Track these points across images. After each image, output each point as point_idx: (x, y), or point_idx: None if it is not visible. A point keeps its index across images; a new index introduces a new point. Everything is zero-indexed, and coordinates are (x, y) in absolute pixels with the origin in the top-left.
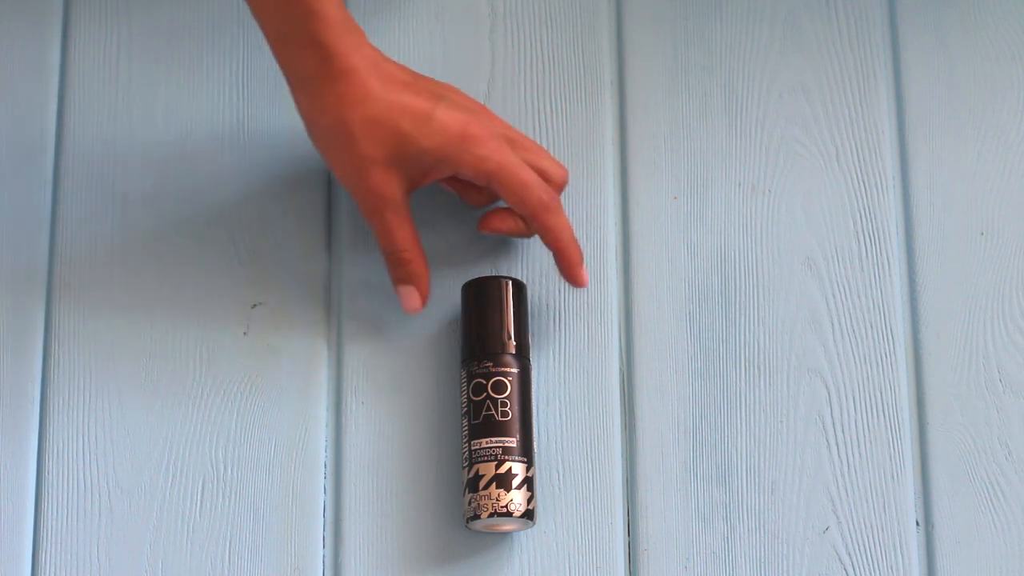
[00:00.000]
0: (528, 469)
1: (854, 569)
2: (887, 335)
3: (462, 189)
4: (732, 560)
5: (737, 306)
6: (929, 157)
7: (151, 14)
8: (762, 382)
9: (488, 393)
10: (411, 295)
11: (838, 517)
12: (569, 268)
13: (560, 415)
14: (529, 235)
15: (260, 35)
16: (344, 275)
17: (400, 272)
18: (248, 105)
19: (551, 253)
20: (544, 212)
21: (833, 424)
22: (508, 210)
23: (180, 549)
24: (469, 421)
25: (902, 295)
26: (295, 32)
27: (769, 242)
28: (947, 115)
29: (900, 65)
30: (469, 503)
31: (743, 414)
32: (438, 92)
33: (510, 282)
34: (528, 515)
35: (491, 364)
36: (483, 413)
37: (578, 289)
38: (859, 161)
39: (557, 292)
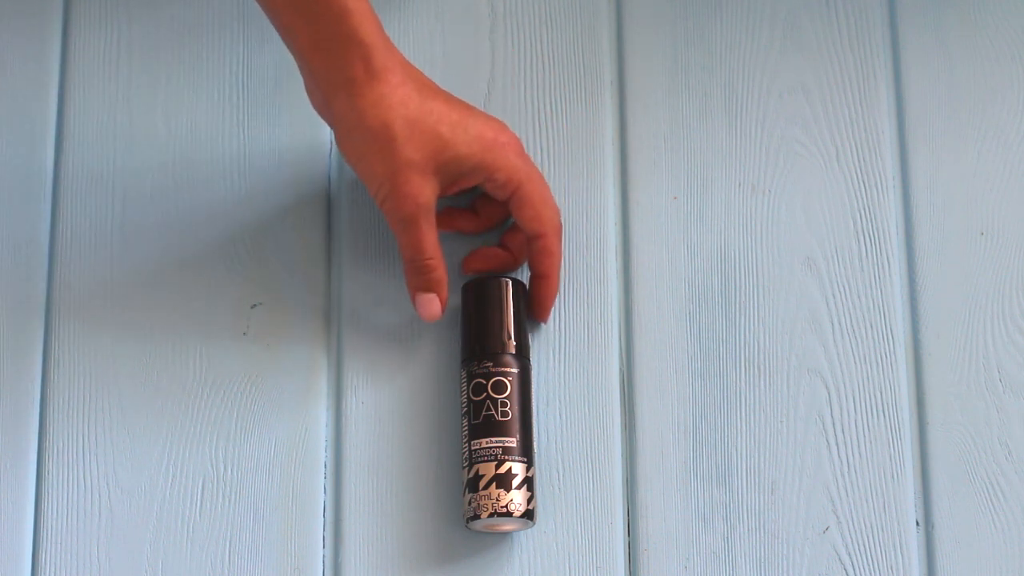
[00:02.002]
0: (528, 469)
1: (854, 569)
2: (887, 335)
3: (456, 220)
4: (732, 560)
5: (737, 306)
6: (929, 157)
7: (151, 14)
8: (762, 382)
9: (488, 393)
10: (432, 302)
11: (838, 517)
12: (547, 299)
13: (560, 415)
14: (513, 268)
15: (261, 34)
16: (344, 275)
17: (423, 279)
18: (248, 105)
19: (532, 278)
20: (554, 234)
21: (833, 424)
22: (490, 248)
23: (180, 549)
24: (469, 421)
25: (902, 295)
26: (332, 33)
27: (769, 242)
28: (947, 115)
29: (900, 65)
30: (469, 503)
31: (743, 414)
32: (464, 103)
33: (510, 282)
34: (528, 515)
35: (491, 364)
36: (483, 413)
37: (578, 289)
38: (859, 161)
39: (557, 292)
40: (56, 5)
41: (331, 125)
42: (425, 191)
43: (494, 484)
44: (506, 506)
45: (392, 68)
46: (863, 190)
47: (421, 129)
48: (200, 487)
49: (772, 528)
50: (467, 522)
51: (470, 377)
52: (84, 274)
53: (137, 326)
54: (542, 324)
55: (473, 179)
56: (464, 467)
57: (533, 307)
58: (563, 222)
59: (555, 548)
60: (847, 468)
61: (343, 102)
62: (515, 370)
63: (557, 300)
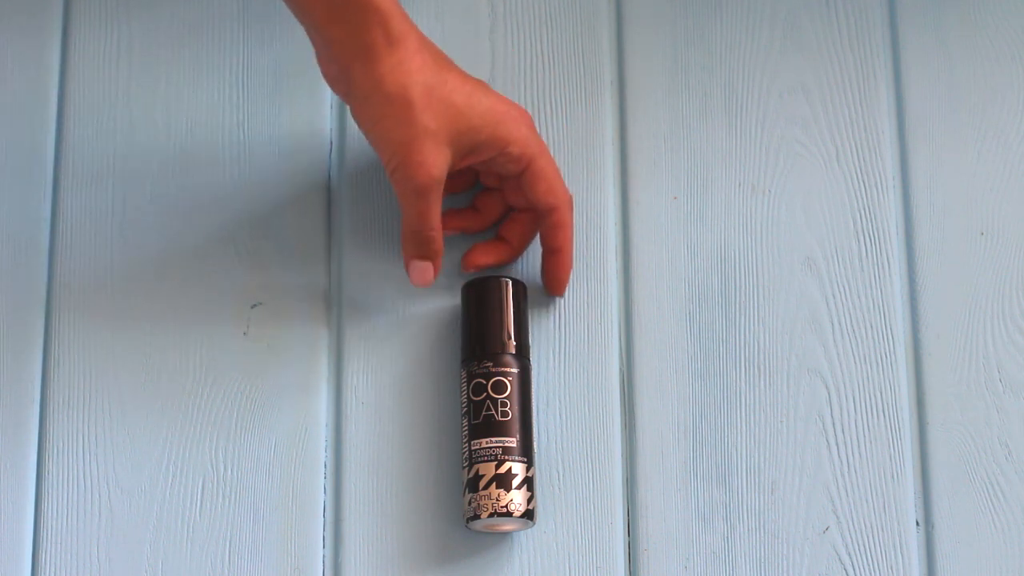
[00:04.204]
0: (528, 469)
1: (854, 569)
2: (887, 335)
3: (458, 220)
4: (732, 560)
5: (737, 306)
6: (929, 157)
7: (151, 14)
8: (762, 382)
9: (488, 393)
10: (427, 270)
11: (838, 517)
12: (563, 272)
13: (560, 415)
14: (513, 260)
15: (261, 34)
16: (344, 275)
17: (422, 249)
18: (248, 104)
19: (545, 254)
20: (567, 206)
21: (833, 424)
22: (488, 243)
23: (180, 549)
24: (469, 421)
25: (902, 295)
26: (351, 2)
27: (769, 242)
28: (947, 115)
29: (900, 65)
30: (469, 503)
31: (743, 414)
32: (475, 78)
33: (510, 282)
34: (528, 515)
35: (491, 364)
36: (483, 413)
37: (578, 289)
38: (859, 161)
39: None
40: (56, 5)
41: (346, 97)
42: (439, 162)
43: (494, 484)
44: (506, 506)
45: (409, 35)
46: (863, 190)
47: (438, 97)
48: (200, 487)
49: (772, 528)
50: (467, 522)
51: (470, 377)
52: (84, 274)
53: (137, 326)
54: (542, 324)
55: (486, 152)
56: (464, 467)
57: (549, 283)
58: None
59: (555, 548)
60: (847, 468)
61: (361, 69)
62: (515, 370)
63: (557, 300)
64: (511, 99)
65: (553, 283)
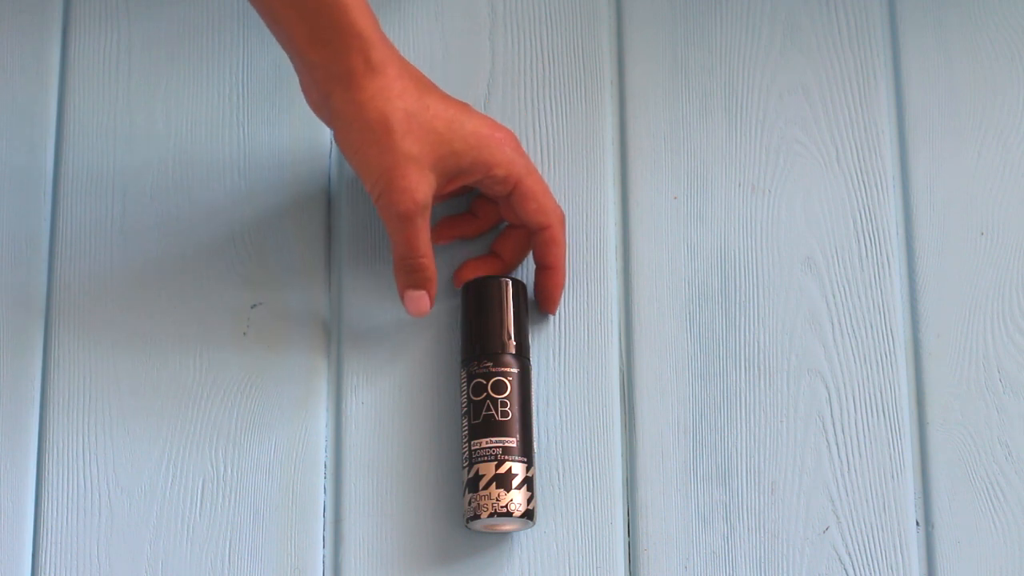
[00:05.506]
0: (528, 469)
1: (854, 569)
2: (887, 335)
3: (456, 227)
4: (732, 560)
5: (737, 306)
6: (929, 157)
7: (151, 14)
8: (762, 382)
9: (488, 393)
10: (422, 299)
11: (838, 517)
12: (556, 290)
13: (560, 415)
14: (506, 274)
15: (261, 34)
16: (344, 275)
17: (414, 278)
18: (248, 105)
19: (538, 270)
20: (559, 224)
21: (833, 424)
22: (480, 259)
23: (180, 549)
24: (469, 421)
25: (902, 295)
26: (330, 26)
27: (769, 242)
28: (947, 115)
29: (900, 65)
30: (469, 503)
31: (743, 414)
32: (459, 101)
33: (510, 282)
34: (528, 515)
35: (491, 364)
36: (483, 413)
37: (578, 289)
38: (859, 161)
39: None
40: (56, 5)
41: (328, 122)
42: (422, 187)
43: (494, 484)
44: (506, 506)
45: (390, 62)
46: (863, 190)
47: (419, 123)
48: (200, 487)
49: (772, 528)
50: (467, 522)
51: (470, 377)
52: (84, 274)
53: (137, 326)
54: (542, 324)
55: (471, 176)
56: (464, 467)
57: (541, 299)
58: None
59: (555, 548)
60: (847, 468)
61: (341, 96)
62: (515, 370)
63: None
64: (511, 99)
65: (545, 300)
